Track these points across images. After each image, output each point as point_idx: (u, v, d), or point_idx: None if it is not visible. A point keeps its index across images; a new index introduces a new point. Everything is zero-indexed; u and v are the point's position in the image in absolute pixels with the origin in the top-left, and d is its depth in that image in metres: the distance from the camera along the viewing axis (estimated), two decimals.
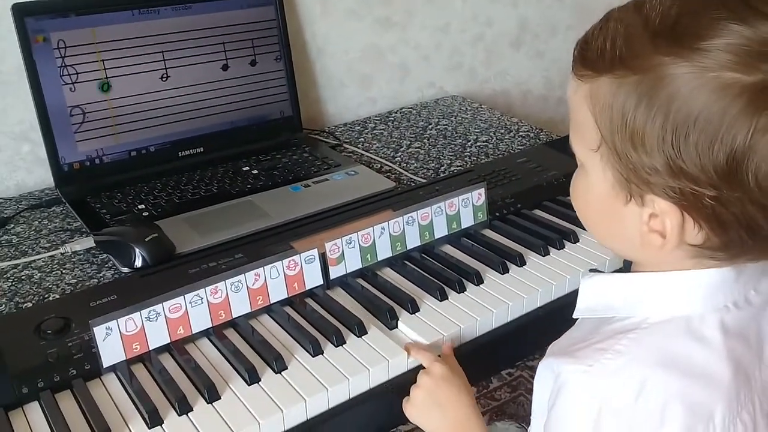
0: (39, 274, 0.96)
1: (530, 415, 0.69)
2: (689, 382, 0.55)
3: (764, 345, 0.60)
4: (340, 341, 0.81)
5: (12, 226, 1.09)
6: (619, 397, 0.55)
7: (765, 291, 0.61)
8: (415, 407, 0.77)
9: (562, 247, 0.98)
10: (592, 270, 0.66)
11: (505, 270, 0.93)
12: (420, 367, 0.80)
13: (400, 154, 1.33)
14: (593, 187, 0.58)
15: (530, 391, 1.73)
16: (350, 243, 0.90)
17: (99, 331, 0.74)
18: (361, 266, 0.92)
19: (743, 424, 0.57)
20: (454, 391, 0.76)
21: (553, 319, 0.92)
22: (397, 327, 0.85)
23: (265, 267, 0.84)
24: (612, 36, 0.53)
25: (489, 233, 1.02)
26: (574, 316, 0.65)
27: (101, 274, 0.95)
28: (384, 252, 0.93)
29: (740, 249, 0.54)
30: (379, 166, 1.27)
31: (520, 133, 1.41)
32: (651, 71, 0.50)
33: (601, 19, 0.56)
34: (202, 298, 0.80)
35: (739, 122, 0.47)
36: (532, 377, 1.87)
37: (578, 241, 1.00)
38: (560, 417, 0.58)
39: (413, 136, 1.41)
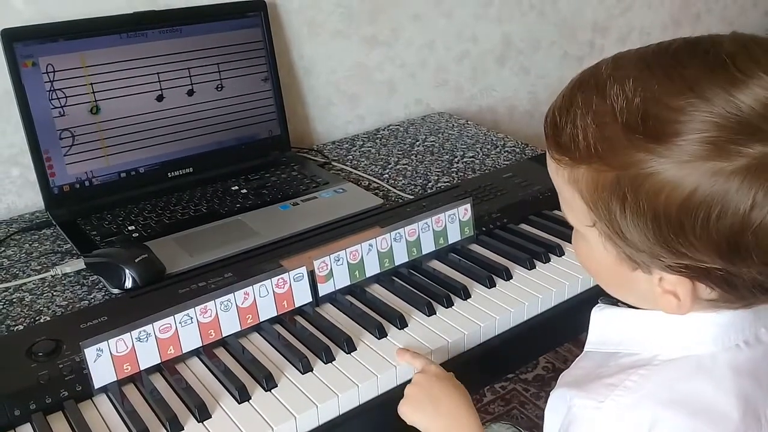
0: (30, 297, 0.96)
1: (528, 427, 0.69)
2: (699, 422, 0.55)
3: None
4: (329, 358, 0.81)
5: (2, 249, 1.09)
6: None
7: None
8: (408, 404, 0.77)
9: (547, 260, 1.00)
10: (602, 300, 0.65)
11: (491, 284, 0.95)
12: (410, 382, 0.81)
13: (387, 171, 1.34)
14: (596, 256, 0.58)
15: (523, 404, 1.74)
16: (338, 260, 0.91)
17: (90, 353, 0.75)
18: (349, 283, 0.93)
19: None
20: (447, 386, 0.77)
21: (541, 332, 0.94)
22: None
23: (254, 285, 0.85)
24: (582, 126, 0.52)
25: (476, 248, 1.03)
26: (586, 350, 0.65)
27: (92, 296, 0.96)
28: (372, 268, 0.94)
29: (754, 300, 0.54)
30: (367, 183, 1.29)
31: (506, 149, 1.42)
32: (630, 168, 0.50)
33: (563, 96, 0.56)
34: (191, 318, 0.81)
35: (733, 204, 0.47)
36: (526, 390, 1.88)
37: (563, 255, 1.01)
38: None
39: (401, 153, 1.43)
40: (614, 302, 0.64)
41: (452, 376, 0.79)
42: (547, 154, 0.58)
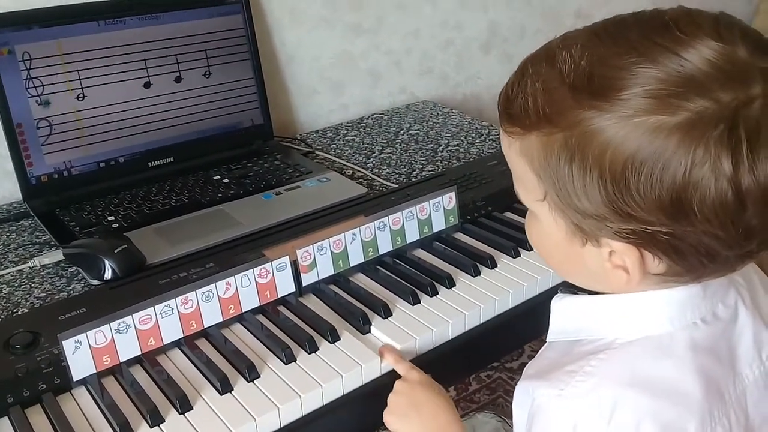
0: (7, 289, 0.94)
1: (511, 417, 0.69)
2: (661, 401, 0.55)
3: (736, 359, 0.60)
4: (313, 348, 0.80)
5: None
6: (592, 420, 0.55)
7: (732, 304, 0.62)
8: (392, 413, 0.77)
9: (532, 249, 0.99)
10: (563, 290, 0.65)
11: (476, 273, 0.94)
12: (394, 373, 0.80)
13: (372, 159, 1.33)
14: (547, 234, 0.58)
15: (509, 392, 1.74)
16: (322, 249, 0.90)
17: (68, 345, 0.73)
18: (333, 272, 0.92)
19: None
20: (430, 394, 0.76)
21: (525, 320, 0.94)
22: (370, 332, 0.85)
23: (236, 276, 0.83)
24: (531, 93, 0.53)
25: (460, 236, 1.03)
26: (548, 340, 0.65)
27: (71, 287, 0.94)
28: (356, 258, 0.93)
29: (703, 271, 0.54)
30: (351, 172, 1.28)
31: (491, 137, 1.42)
32: (577, 126, 0.50)
33: (515, 72, 0.57)
34: (172, 309, 0.79)
35: (675, 161, 0.48)
36: (511, 379, 1.89)
37: None
38: None
39: (385, 141, 1.42)
40: (574, 292, 0.64)
41: (434, 381, 0.79)
42: (501, 131, 0.59)
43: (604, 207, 0.51)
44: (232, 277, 0.83)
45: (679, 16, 0.51)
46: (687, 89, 0.47)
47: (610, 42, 0.51)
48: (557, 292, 0.66)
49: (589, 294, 0.62)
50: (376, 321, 0.85)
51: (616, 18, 0.54)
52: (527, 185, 0.57)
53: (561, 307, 0.64)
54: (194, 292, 0.81)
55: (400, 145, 1.40)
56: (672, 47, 0.49)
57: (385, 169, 1.28)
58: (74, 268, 0.98)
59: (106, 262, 0.92)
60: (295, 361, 0.79)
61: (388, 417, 0.77)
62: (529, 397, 0.60)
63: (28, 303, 0.91)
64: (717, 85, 0.47)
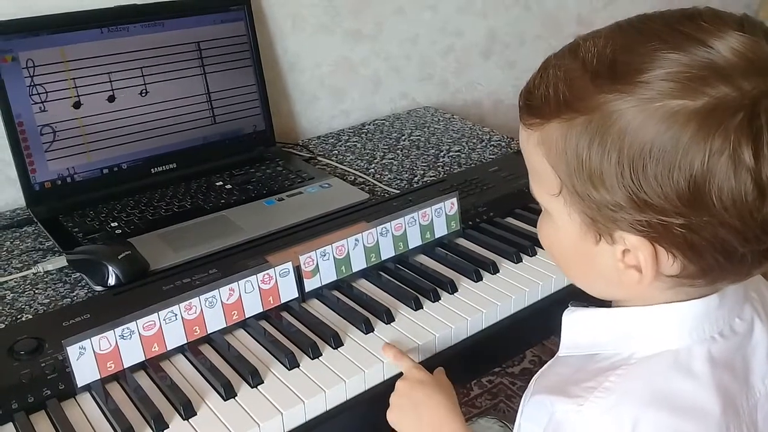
0: (11, 295, 0.95)
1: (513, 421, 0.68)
2: (681, 419, 0.54)
3: (750, 372, 0.60)
4: (316, 353, 0.81)
5: None
6: None
7: (748, 319, 0.61)
8: (392, 412, 0.78)
9: (534, 254, 1.00)
10: (573, 303, 0.64)
11: (478, 278, 0.94)
12: (398, 377, 0.80)
13: (373, 165, 1.34)
14: (561, 232, 0.58)
15: (510, 397, 1.74)
16: (325, 255, 0.90)
17: (72, 351, 0.74)
18: (336, 278, 0.92)
19: None
20: (429, 392, 0.76)
21: (527, 326, 0.94)
22: None
23: (239, 282, 0.84)
24: (553, 82, 0.53)
25: (462, 242, 1.03)
26: (560, 355, 0.64)
27: (74, 294, 0.95)
28: (359, 263, 0.94)
29: (719, 273, 0.53)
30: (353, 178, 1.28)
31: (492, 143, 1.42)
32: (597, 110, 0.50)
33: (539, 68, 0.56)
34: (176, 315, 0.80)
35: (694, 148, 0.47)
36: (512, 384, 1.88)
37: None
38: None
39: (386, 147, 1.42)
40: (585, 305, 0.63)
41: (436, 378, 0.78)
42: (520, 127, 0.58)
43: (620, 194, 0.50)
44: (236, 283, 0.84)
45: (704, 11, 0.51)
46: (710, 74, 0.47)
47: (634, 32, 0.51)
48: (568, 305, 0.64)
49: (602, 305, 0.61)
50: (379, 326, 0.86)
51: (641, 15, 0.54)
52: (543, 178, 0.56)
53: (573, 320, 0.63)
54: (198, 298, 0.81)
55: (401, 150, 1.40)
56: (697, 35, 0.49)
57: (387, 175, 1.29)
58: (78, 274, 0.98)
59: (110, 268, 0.93)
60: (298, 366, 0.79)
61: (390, 416, 0.78)
62: (546, 412, 0.58)
63: (32, 309, 0.92)
64: (739, 74, 0.47)
